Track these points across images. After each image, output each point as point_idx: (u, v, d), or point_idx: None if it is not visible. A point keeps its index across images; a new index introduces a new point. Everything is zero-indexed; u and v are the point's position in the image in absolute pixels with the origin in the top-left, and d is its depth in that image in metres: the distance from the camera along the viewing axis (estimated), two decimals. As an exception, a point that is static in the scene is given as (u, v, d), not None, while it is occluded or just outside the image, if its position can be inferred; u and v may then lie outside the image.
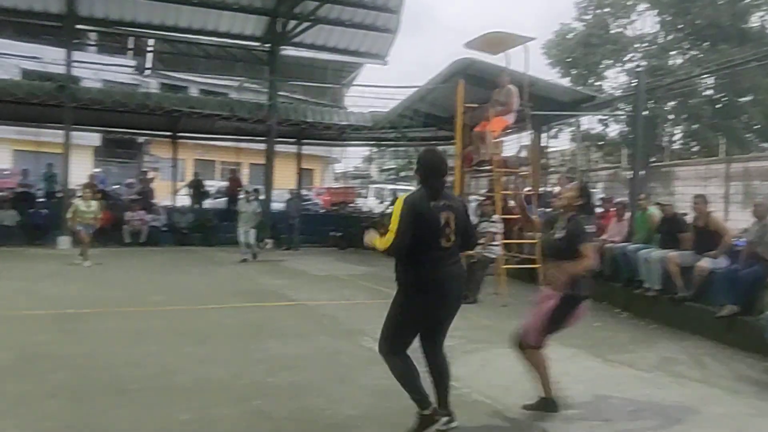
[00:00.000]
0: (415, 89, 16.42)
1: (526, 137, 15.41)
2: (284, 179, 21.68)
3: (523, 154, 17.12)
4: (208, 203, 20.74)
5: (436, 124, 18.38)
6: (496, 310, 9.15)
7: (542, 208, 12.93)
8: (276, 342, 6.72)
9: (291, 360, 5.88)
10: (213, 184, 23.60)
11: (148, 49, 25.81)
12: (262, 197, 14.74)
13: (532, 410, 4.70)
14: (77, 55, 17.64)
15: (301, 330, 7.30)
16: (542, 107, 12.96)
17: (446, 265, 4.09)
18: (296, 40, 18.74)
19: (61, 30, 18.11)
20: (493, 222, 10.05)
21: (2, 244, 15.28)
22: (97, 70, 19.58)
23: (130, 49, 27.59)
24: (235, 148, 23.46)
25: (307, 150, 24.03)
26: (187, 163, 28.19)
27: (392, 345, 4.15)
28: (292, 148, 23.27)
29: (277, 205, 18.46)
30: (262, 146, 19.82)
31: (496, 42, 10.94)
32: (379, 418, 4.50)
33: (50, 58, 18.19)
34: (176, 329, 7.18)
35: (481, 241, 10.04)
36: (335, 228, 19.17)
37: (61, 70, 16.77)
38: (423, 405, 4.08)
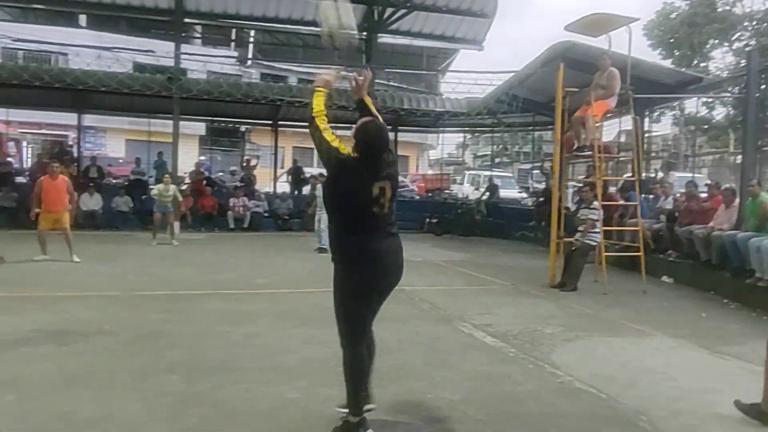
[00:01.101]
0: (513, 74, 16.19)
1: (626, 121, 14.93)
2: (380, 166, 21.91)
3: (623, 138, 16.60)
4: (306, 190, 21.27)
5: (534, 110, 18.06)
6: (596, 299, 8.99)
7: (644, 195, 12.54)
8: (375, 326, 6.84)
9: (391, 344, 6.00)
10: (311, 171, 24.16)
11: (250, 40, 26.61)
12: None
13: (742, 411, 4.34)
14: (184, 47, 18.49)
15: (400, 315, 7.41)
16: (645, 90, 12.50)
17: (381, 237, 3.78)
18: (392, 27, 18.87)
19: (169, 24, 19.06)
20: (593, 209, 9.82)
21: (118, 228, 16.41)
22: (203, 62, 20.38)
23: (233, 41, 28.54)
24: (332, 136, 23.93)
25: (402, 137, 24.18)
26: (286, 150, 29.02)
27: (349, 335, 3.84)
28: (388, 135, 23.48)
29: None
30: (359, 133, 20.08)
31: (598, 24, 10.61)
32: (481, 403, 4.54)
33: (160, 51, 19.12)
34: (280, 311, 7.48)
35: (581, 228, 9.87)
36: (430, 214, 19.25)
37: (169, 62, 17.63)
38: (356, 411, 3.78)
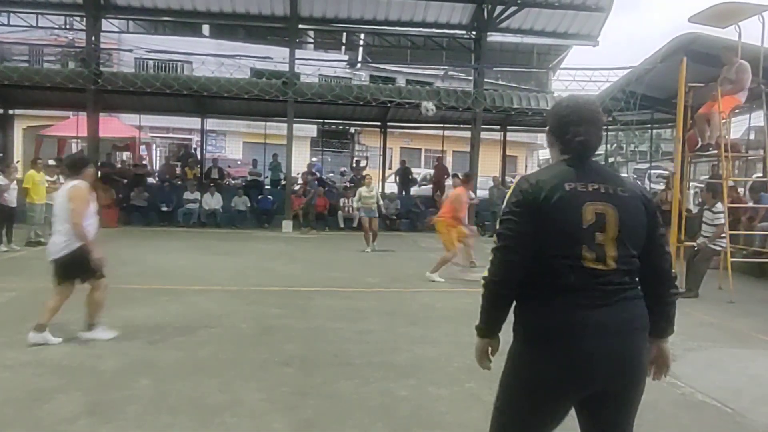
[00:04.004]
0: (630, 70, 15.58)
1: (756, 118, 14.05)
2: (488, 166, 21.76)
3: (752, 136, 15.60)
4: (414, 190, 21.44)
5: (652, 107, 17.33)
6: (721, 307, 8.50)
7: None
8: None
9: (501, 346, 5.97)
10: (419, 172, 24.34)
11: (360, 43, 27.14)
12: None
13: None
14: (297, 52, 19.11)
15: (511, 317, 7.34)
16: (780, 83, 11.70)
17: (595, 304, 2.17)
18: (502, 25, 18.62)
19: (284, 31, 19.76)
20: (717, 213, 9.29)
21: (236, 226, 17.24)
22: (316, 66, 21.00)
23: (343, 44, 29.18)
24: (439, 136, 24.00)
25: (510, 136, 23.86)
26: (394, 151, 29.38)
27: None
28: (496, 135, 23.25)
29: (481, 193, 18.62)
30: (465, 133, 20.02)
31: (726, 14, 10.03)
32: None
33: (275, 57, 19.86)
34: (391, 310, 7.60)
35: (707, 233, 9.37)
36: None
37: (283, 67, 18.28)
38: None
